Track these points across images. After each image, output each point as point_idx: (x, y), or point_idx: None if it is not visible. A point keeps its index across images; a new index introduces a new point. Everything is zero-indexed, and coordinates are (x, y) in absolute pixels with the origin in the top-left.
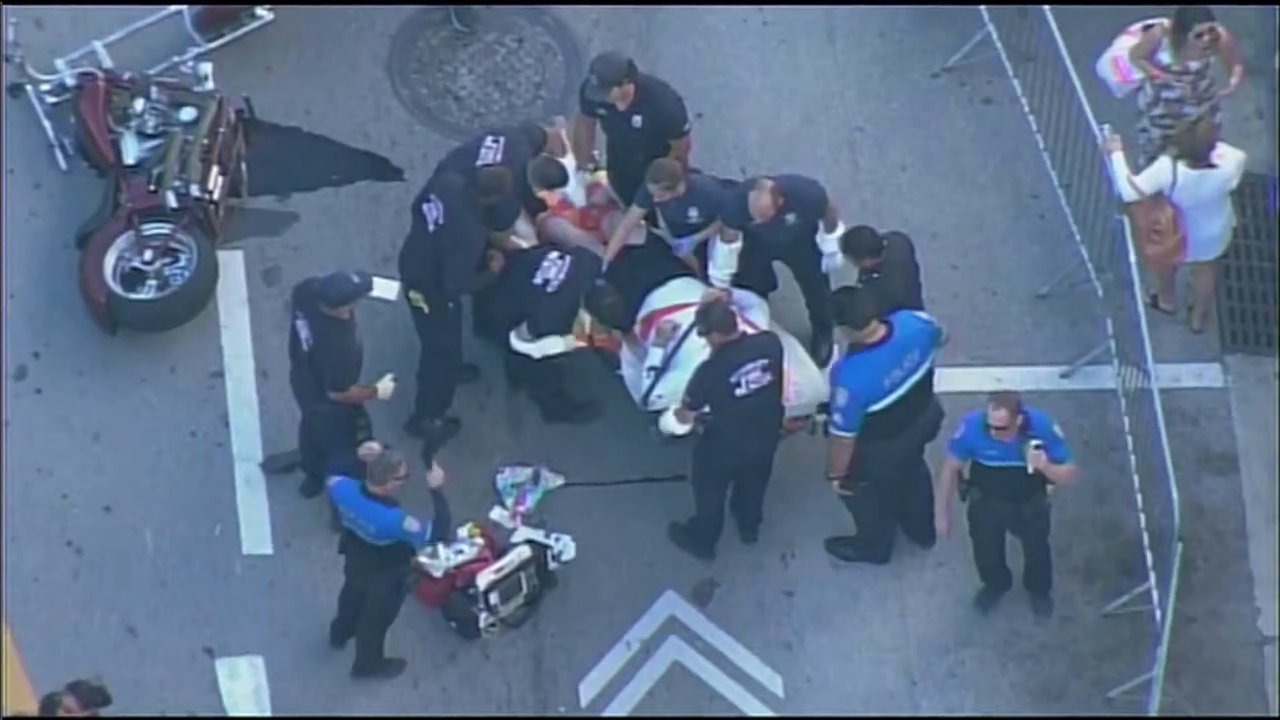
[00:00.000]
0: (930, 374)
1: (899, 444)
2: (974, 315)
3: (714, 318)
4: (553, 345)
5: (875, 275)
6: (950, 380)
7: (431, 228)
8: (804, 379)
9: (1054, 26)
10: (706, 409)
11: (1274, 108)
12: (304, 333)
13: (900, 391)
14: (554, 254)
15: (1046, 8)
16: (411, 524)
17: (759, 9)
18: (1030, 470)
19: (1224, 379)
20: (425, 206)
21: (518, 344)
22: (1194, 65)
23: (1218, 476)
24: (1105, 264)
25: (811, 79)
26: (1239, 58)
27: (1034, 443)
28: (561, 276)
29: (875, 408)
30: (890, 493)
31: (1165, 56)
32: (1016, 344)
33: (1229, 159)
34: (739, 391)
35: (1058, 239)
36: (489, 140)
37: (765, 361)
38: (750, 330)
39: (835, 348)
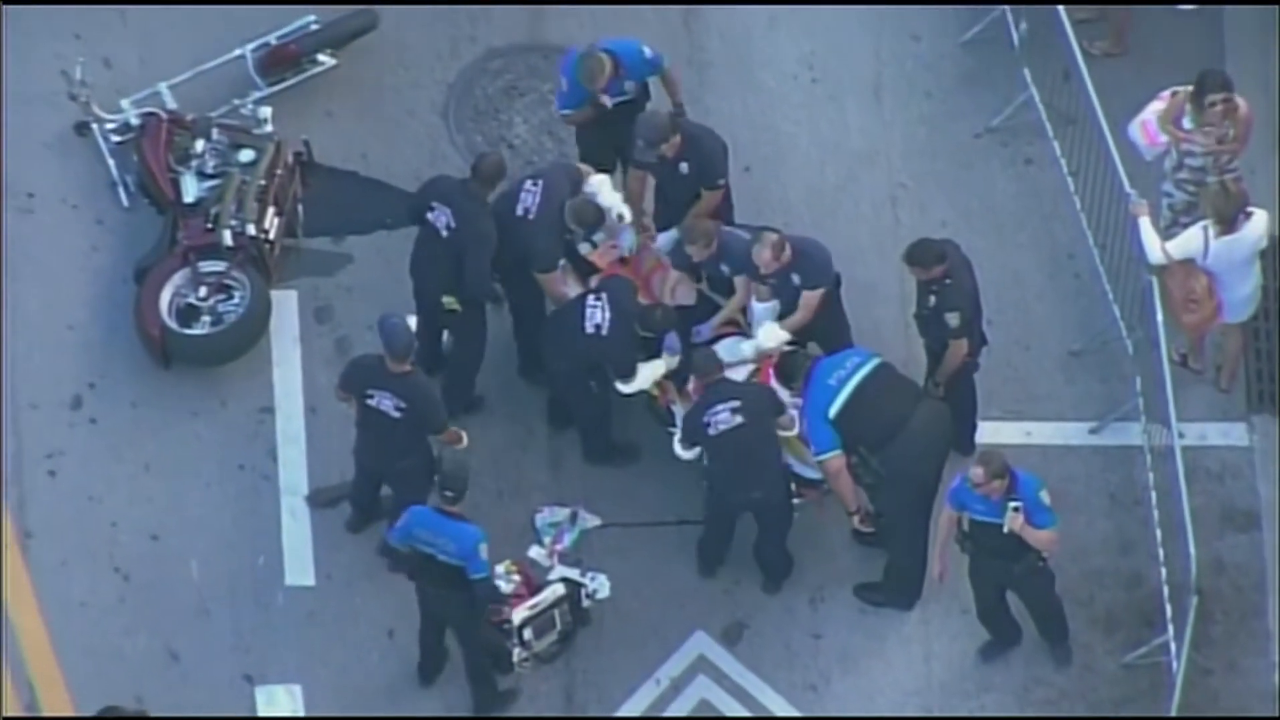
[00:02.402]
0: (893, 380)
1: (897, 456)
2: (1007, 369)
3: (696, 363)
4: (650, 372)
5: (948, 281)
6: (982, 433)
7: (444, 233)
8: None
9: (1092, 91)
10: (696, 447)
11: None
12: (388, 403)
13: (852, 384)
14: (591, 298)
15: (1085, 73)
16: (484, 550)
17: (809, 67)
18: (1006, 530)
19: (1249, 438)
20: (430, 216)
21: (625, 388)
22: (1212, 131)
23: (1240, 533)
24: (1136, 323)
25: (857, 136)
26: (1248, 134)
27: (1013, 504)
28: (609, 315)
29: (835, 409)
30: (920, 532)
31: (1187, 121)
32: (1048, 399)
33: (1257, 220)
34: (710, 431)
35: (1092, 297)
36: (528, 184)
37: (736, 404)
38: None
39: None
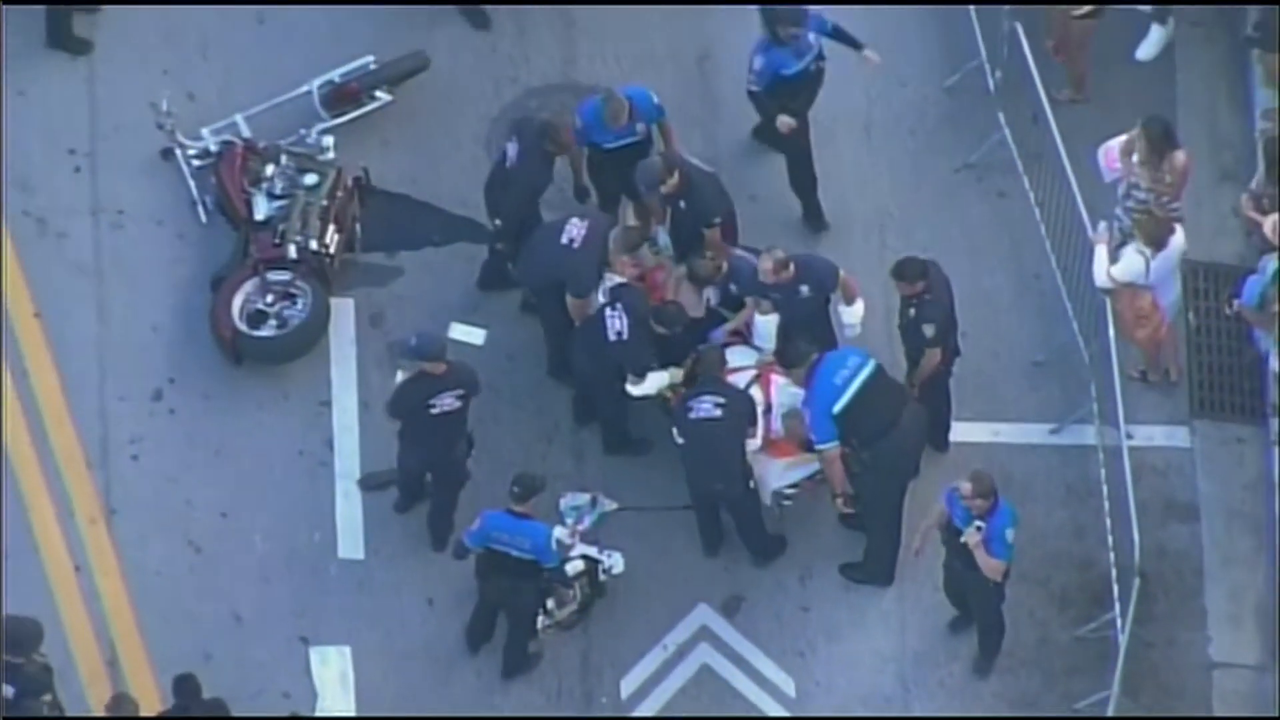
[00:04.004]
0: (887, 383)
1: (886, 451)
2: (978, 376)
3: (703, 357)
4: (658, 380)
5: (928, 297)
6: (955, 433)
7: (506, 163)
8: None
9: (1057, 133)
10: (675, 431)
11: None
12: (449, 400)
13: (855, 385)
14: (609, 310)
15: (1051, 117)
16: (555, 543)
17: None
18: (962, 541)
19: (1190, 440)
20: (507, 143)
21: (634, 390)
22: (1148, 171)
23: (1180, 524)
24: (1092, 337)
25: (849, 168)
26: (1184, 182)
27: (978, 523)
28: (627, 321)
29: (839, 406)
30: (896, 518)
31: (1136, 157)
32: (1014, 402)
33: (1179, 233)
34: (691, 415)
35: (1054, 314)
36: (575, 220)
37: (722, 400)
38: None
39: None
